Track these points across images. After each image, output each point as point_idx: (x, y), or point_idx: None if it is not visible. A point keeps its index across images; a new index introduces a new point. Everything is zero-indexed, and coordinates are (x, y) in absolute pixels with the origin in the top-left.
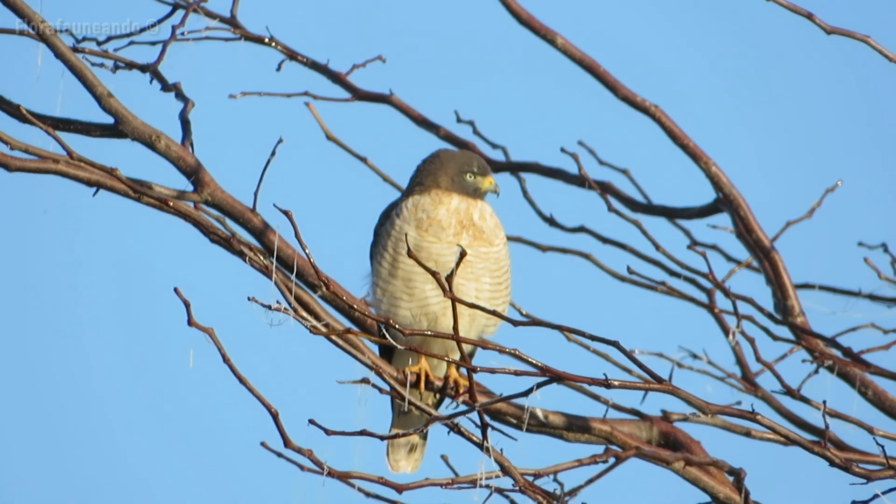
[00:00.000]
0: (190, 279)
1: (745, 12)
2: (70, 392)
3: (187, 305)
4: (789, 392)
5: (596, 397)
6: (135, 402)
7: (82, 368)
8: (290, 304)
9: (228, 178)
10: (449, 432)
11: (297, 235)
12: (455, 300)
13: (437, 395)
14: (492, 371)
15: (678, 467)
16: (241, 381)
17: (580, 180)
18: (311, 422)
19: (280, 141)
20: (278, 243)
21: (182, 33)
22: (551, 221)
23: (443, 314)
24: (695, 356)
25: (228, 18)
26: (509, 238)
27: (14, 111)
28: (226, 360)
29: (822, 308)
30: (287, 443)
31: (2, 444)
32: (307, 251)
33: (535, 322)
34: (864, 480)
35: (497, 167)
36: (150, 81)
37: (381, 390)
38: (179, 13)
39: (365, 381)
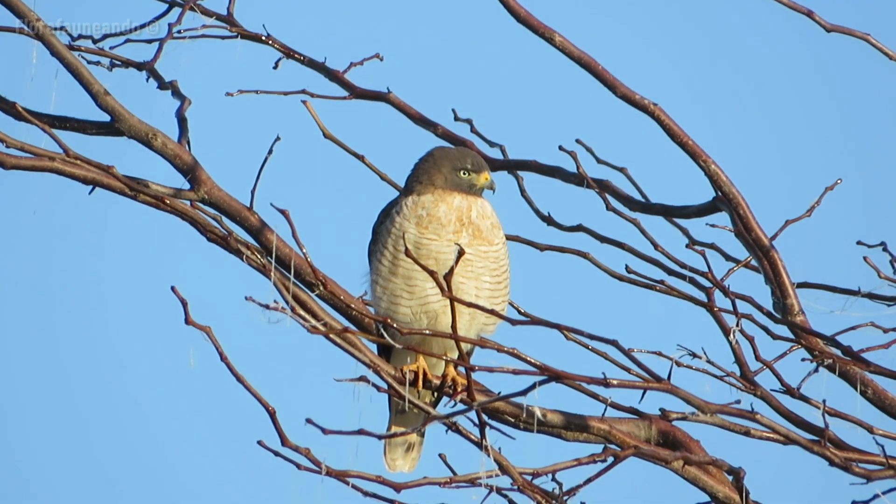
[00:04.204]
0: (187, 278)
1: (745, 9)
2: (66, 391)
3: (184, 304)
4: (789, 391)
5: (594, 396)
6: (131, 401)
7: (79, 367)
8: (287, 302)
9: (225, 177)
10: (447, 431)
11: (294, 234)
12: (453, 299)
13: (435, 394)
14: (490, 370)
15: (677, 466)
16: (239, 379)
17: (578, 179)
18: (309, 421)
19: (277, 139)
20: (276, 242)
21: (178, 31)
22: (549, 220)
23: (443, 312)
24: (693, 355)
25: (225, 16)
26: (507, 237)
27: (10, 109)
28: (223, 358)
29: (822, 307)
30: (284, 441)
31: None
32: (304, 250)
33: (533, 321)
34: (864, 480)
35: (495, 165)
36: (147, 79)
37: (379, 389)
38: (176, 11)
39: (362, 379)
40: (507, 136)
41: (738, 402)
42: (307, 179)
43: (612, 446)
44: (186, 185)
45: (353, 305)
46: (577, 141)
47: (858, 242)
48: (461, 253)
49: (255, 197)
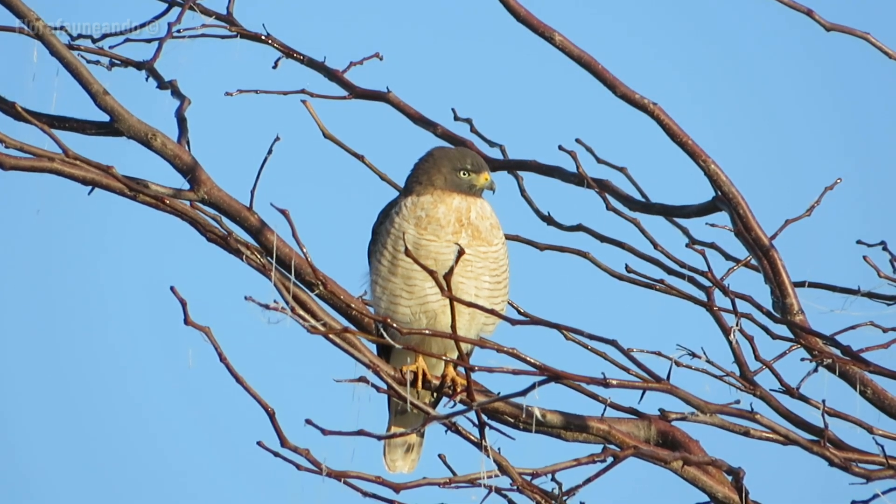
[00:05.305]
0: (187, 278)
1: (745, 9)
2: (65, 391)
3: (184, 304)
4: (788, 391)
5: (594, 396)
6: (131, 401)
7: (78, 367)
8: (287, 302)
9: (225, 177)
10: (446, 431)
11: (294, 234)
12: (453, 299)
13: (435, 395)
14: (490, 370)
15: (676, 467)
16: (238, 380)
17: (578, 178)
18: (308, 421)
19: (277, 139)
20: (276, 242)
21: (178, 31)
22: (549, 220)
23: (442, 312)
24: (693, 355)
25: (225, 16)
26: (506, 236)
27: (9, 109)
28: (222, 358)
29: (821, 306)
30: (284, 442)
31: None
32: (304, 250)
33: (533, 321)
34: (864, 480)
35: (494, 165)
36: (146, 79)
37: (378, 389)
38: (175, 10)
39: (362, 379)
40: (507, 135)
41: (737, 402)
42: (307, 179)
43: (612, 446)
44: (186, 186)
45: (353, 305)
46: (577, 141)
47: (858, 242)
48: (461, 252)
49: (255, 197)
